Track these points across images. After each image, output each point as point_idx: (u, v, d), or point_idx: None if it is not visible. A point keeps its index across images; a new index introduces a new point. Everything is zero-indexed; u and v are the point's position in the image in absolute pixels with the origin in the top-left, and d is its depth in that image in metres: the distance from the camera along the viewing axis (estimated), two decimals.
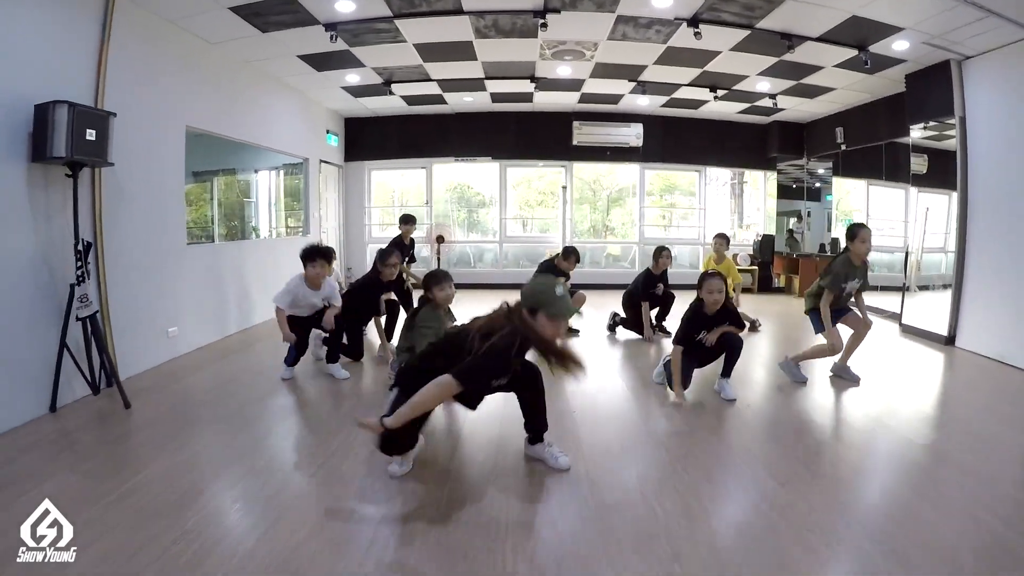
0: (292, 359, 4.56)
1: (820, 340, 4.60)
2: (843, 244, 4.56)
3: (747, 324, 4.90)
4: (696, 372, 4.26)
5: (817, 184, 10.17)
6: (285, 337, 4.36)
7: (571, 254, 6.40)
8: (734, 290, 6.59)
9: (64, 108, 3.55)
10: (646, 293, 6.18)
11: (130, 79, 4.50)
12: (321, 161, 8.93)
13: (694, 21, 5.56)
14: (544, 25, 5.54)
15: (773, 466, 3.03)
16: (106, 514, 2.43)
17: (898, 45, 5.85)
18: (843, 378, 4.64)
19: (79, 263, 3.75)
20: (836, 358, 4.67)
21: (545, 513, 2.54)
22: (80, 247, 3.76)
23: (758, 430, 3.63)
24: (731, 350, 4.17)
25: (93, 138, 3.74)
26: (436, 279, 3.93)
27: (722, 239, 6.92)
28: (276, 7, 5.03)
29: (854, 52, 6.07)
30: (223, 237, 8.34)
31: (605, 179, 11.81)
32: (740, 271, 8.05)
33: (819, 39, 5.85)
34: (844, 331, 4.57)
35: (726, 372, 4.22)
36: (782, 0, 5.03)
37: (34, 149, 3.59)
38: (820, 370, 4.83)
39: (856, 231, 4.43)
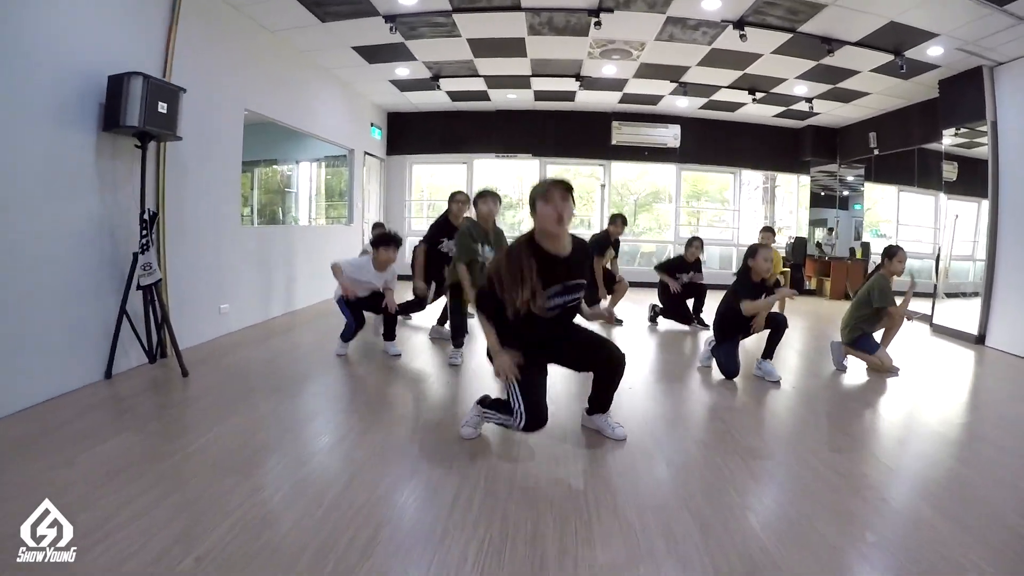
0: (350, 333, 4.67)
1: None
2: (873, 254, 4.70)
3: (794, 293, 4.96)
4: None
5: (846, 192, 10.19)
6: (342, 288, 4.55)
7: (618, 218, 6.49)
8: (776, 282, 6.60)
9: (139, 79, 3.64)
10: (671, 273, 6.36)
11: (195, 59, 4.62)
12: (365, 153, 9.05)
13: (740, 24, 5.63)
14: (599, 24, 5.60)
15: (824, 437, 3.22)
16: (181, 467, 2.51)
17: (932, 51, 5.92)
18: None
19: (144, 232, 3.84)
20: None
21: (618, 471, 2.63)
22: (146, 216, 3.85)
23: (806, 407, 3.82)
24: (775, 329, 4.30)
25: (164, 111, 3.84)
26: (481, 194, 4.32)
27: (769, 232, 6.92)
28: None
29: (890, 57, 6.13)
30: (262, 221, 8.48)
31: (634, 184, 11.83)
32: None
33: (857, 43, 5.92)
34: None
35: (768, 353, 4.35)
36: (825, 5, 5.10)
37: (106, 118, 3.68)
38: (858, 362, 4.85)
39: (894, 251, 4.67)
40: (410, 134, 10.28)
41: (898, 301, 4.61)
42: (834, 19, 5.37)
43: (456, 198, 5.07)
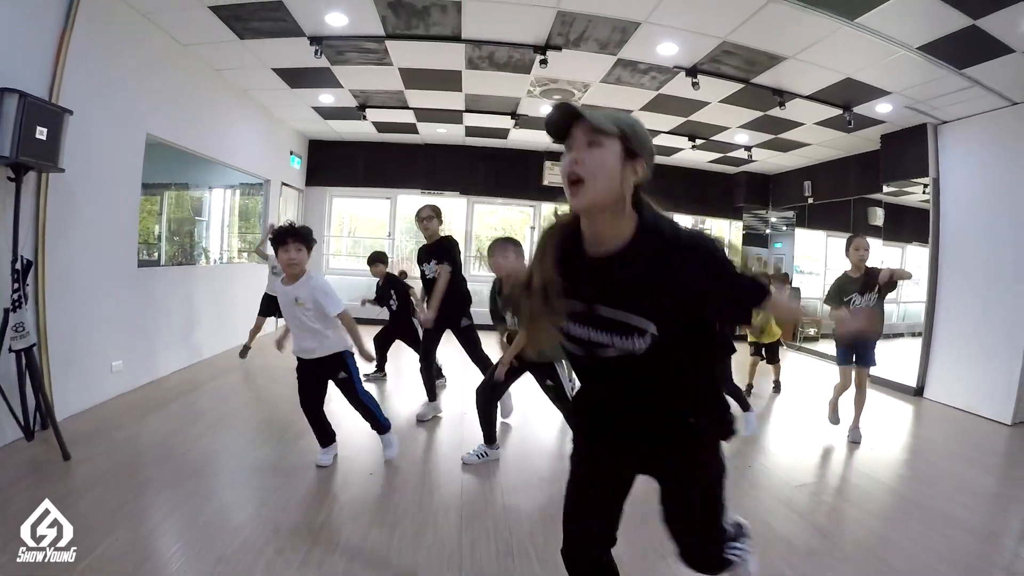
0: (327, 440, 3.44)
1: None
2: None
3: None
4: None
5: (768, 231, 10.55)
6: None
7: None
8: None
9: (14, 98, 3.06)
10: None
11: (91, 74, 3.98)
12: (283, 184, 8.38)
13: (693, 71, 5.53)
14: (544, 62, 5.34)
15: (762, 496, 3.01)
16: None
17: (881, 107, 6.04)
18: (857, 443, 4.46)
19: (15, 285, 3.17)
20: (848, 424, 4.57)
21: None
22: (19, 266, 3.19)
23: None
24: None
25: (44, 137, 3.26)
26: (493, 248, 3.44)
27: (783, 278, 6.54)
28: (261, 11, 4.60)
29: (839, 111, 6.21)
30: (169, 257, 7.65)
31: None
32: None
33: (808, 96, 5.95)
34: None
35: None
36: (785, 58, 5.06)
37: None
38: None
39: (849, 241, 4.43)
40: (331, 164, 9.66)
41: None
42: (791, 72, 5.37)
43: (419, 214, 4.53)
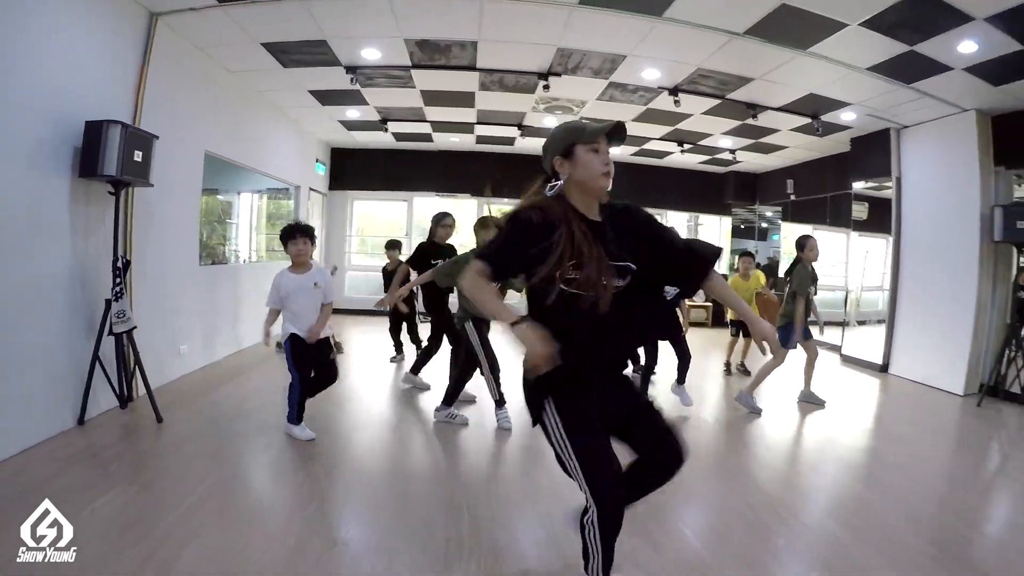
0: (295, 401, 3.81)
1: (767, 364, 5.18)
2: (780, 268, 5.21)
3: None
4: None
5: (765, 225, 11.23)
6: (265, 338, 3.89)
7: None
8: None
9: (117, 128, 3.69)
10: None
11: (162, 102, 4.67)
12: (310, 189, 9.15)
13: (675, 91, 6.22)
14: (546, 87, 6.06)
15: (744, 463, 3.82)
16: (191, 518, 2.63)
17: (846, 116, 6.76)
18: (811, 403, 5.26)
19: (117, 279, 3.89)
20: (801, 387, 5.35)
21: None
22: (119, 264, 3.91)
23: (724, 435, 4.46)
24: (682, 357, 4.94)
25: (139, 159, 3.92)
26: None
27: (749, 257, 6.83)
28: (306, 47, 5.35)
29: (808, 120, 6.90)
30: (203, 258, 8.39)
31: None
32: (693, 307, 9.64)
33: (779, 109, 6.66)
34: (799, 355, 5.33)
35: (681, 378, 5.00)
36: (751, 79, 5.77)
37: (83, 165, 3.69)
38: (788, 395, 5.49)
39: (804, 241, 5.19)
40: (353, 170, 10.46)
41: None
42: (760, 89, 6.04)
43: (443, 222, 5.09)
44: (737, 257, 7.07)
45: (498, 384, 4.20)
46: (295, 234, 3.80)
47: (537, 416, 1.88)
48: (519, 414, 4.20)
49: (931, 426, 5.00)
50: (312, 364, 3.83)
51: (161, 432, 3.80)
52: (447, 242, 5.16)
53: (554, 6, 4.45)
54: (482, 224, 4.27)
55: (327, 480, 3.19)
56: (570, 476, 1.85)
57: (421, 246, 5.16)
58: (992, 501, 3.48)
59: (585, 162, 1.83)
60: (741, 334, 6.59)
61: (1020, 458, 4.24)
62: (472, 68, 5.86)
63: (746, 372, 6.58)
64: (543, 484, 3.21)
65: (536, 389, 1.85)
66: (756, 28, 4.58)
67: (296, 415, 3.80)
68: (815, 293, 5.21)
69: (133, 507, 2.71)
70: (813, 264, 5.16)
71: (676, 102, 6.38)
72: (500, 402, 4.23)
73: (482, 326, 4.16)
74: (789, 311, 5.08)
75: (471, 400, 4.82)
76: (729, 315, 6.93)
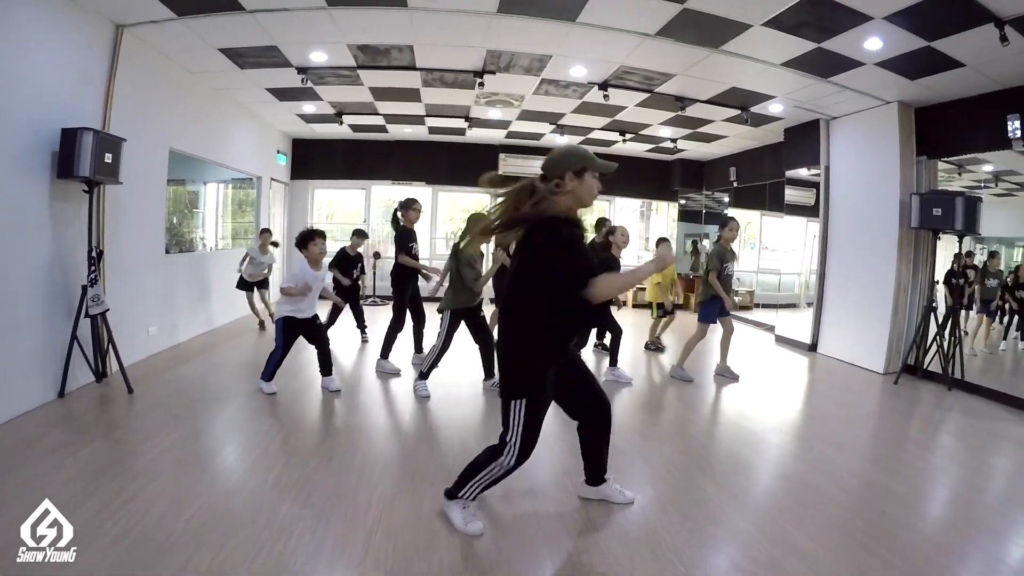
0: (274, 365, 4.72)
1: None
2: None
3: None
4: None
5: (717, 208, 11.82)
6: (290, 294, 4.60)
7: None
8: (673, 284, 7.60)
9: (90, 134, 4.21)
10: None
11: (130, 105, 5.13)
12: (271, 179, 9.64)
13: (604, 86, 6.77)
14: (481, 84, 6.63)
15: (685, 440, 4.15)
16: (154, 464, 3.23)
17: (774, 107, 7.24)
18: (725, 376, 5.87)
19: (92, 267, 4.42)
20: (717, 361, 5.96)
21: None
22: (94, 254, 4.45)
23: (661, 413, 4.83)
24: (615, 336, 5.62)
25: (110, 160, 4.43)
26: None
27: (666, 242, 7.06)
28: (258, 51, 5.84)
29: (738, 111, 7.45)
30: (171, 246, 8.84)
31: None
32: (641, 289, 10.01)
33: (706, 101, 7.19)
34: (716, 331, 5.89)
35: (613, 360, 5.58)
36: (674, 75, 6.30)
37: (60, 167, 4.20)
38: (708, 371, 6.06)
39: (726, 221, 5.73)
40: (313, 160, 10.94)
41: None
42: (684, 84, 6.54)
43: (413, 206, 5.64)
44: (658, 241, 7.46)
45: (434, 364, 4.88)
46: (315, 237, 4.69)
47: (527, 386, 2.41)
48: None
49: (848, 402, 5.37)
50: (295, 339, 4.70)
51: (132, 401, 4.37)
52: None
53: (474, 15, 4.93)
54: (475, 219, 4.72)
55: (272, 435, 3.81)
56: (505, 428, 2.45)
57: (402, 230, 5.64)
58: (896, 470, 3.74)
59: (590, 185, 2.39)
60: (665, 314, 7.23)
61: (917, 429, 4.76)
62: (412, 68, 6.39)
63: (660, 348, 7.21)
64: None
65: (539, 364, 2.41)
66: (665, 29, 4.97)
67: (269, 375, 4.72)
68: (731, 271, 5.70)
69: (108, 456, 3.31)
70: (732, 244, 5.72)
71: (606, 96, 6.92)
72: (424, 375, 4.91)
73: (457, 318, 4.82)
74: (707, 289, 5.61)
75: (395, 373, 5.50)
76: (649, 297, 7.58)
